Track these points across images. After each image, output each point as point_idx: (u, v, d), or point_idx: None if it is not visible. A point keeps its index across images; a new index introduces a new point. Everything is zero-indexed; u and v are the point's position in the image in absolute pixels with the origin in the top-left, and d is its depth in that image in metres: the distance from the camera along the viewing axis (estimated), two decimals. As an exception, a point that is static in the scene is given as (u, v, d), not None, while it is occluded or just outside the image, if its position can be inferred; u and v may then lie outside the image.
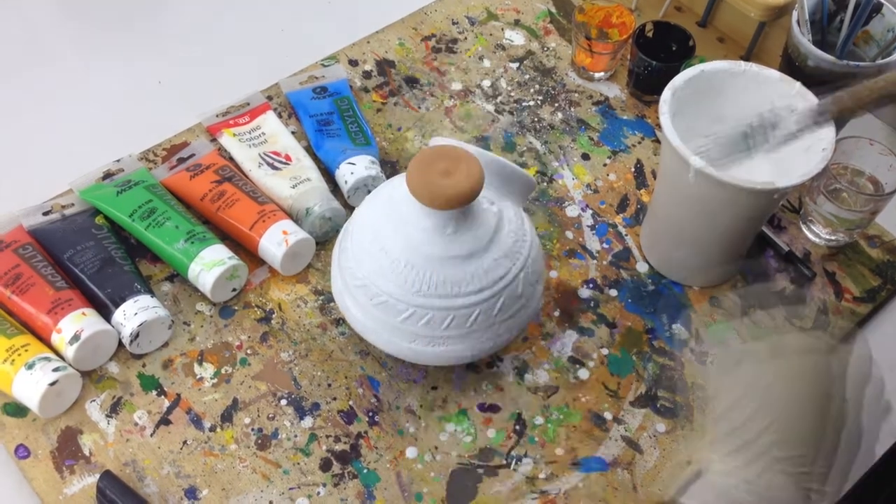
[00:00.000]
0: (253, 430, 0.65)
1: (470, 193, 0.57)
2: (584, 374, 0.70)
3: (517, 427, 0.67)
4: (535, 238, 0.65)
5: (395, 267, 0.60)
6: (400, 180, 0.62)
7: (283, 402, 0.67)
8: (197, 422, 0.65)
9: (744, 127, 0.63)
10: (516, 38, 0.91)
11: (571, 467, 0.65)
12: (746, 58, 0.90)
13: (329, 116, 0.80)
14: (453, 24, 0.92)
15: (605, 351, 0.71)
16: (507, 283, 0.61)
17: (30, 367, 0.63)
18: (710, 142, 0.63)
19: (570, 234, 0.77)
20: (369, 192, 0.71)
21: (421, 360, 0.63)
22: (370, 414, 0.66)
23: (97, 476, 0.62)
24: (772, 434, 0.51)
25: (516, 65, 0.89)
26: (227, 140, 0.79)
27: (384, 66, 0.88)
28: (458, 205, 0.57)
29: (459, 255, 0.59)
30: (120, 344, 0.68)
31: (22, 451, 0.63)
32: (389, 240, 0.60)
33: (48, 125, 0.83)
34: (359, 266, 0.61)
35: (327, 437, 0.65)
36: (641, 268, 0.76)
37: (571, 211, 0.79)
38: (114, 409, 0.66)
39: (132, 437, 0.64)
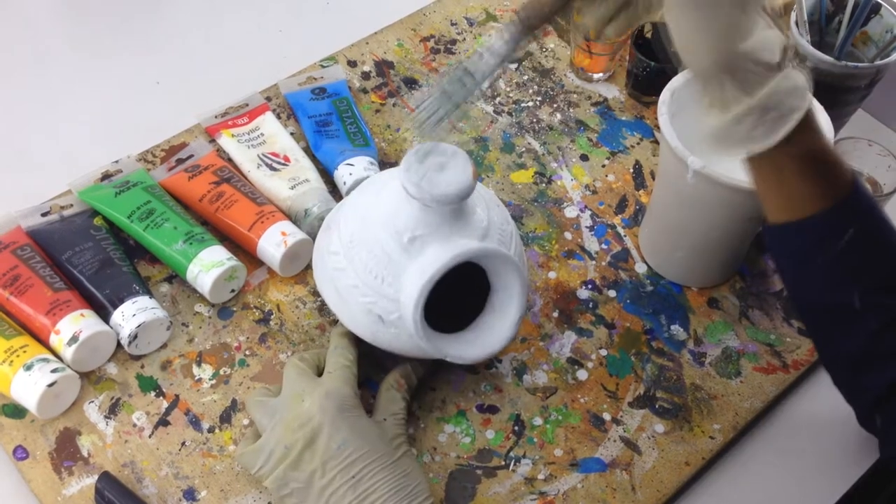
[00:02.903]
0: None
1: (465, 189, 0.57)
2: (582, 374, 0.70)
3: (516, 428, 0.67)
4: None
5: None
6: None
7: (282, 403, 0.67)
8: (195, 423, 0.65)
9: (448, 77, 0.60)
10: (515, 38, 0.91)
11: (570, 468, 0.65)
12: (745, 59, 0.90)
13: (328, 117, 0.80)
14: (452, 25, 0.92)
15: (603, 352, 0.71)
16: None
17: (28, 368, 0.63)
18: (423, 108, 0.60)
19: (568, 235, 0.77)
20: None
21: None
22: (369, 415, 0.66)
23: (96, 477, 0.62)
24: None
25: (515, 65, 0.89)
26: (225, 141, 0.79)
27: (383, 66, 0.88)
28: (452, 201, 0.57)
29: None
30: (118, 345, 0.68)
31: (20, 453, 0.63)
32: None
33: (47, 126, 0.83)
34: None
35: (326, 438, 0.65)
36: (640, 268, 0.76)
37: (570, 212, 0.79)
38: (112, 410, 0.66)
39: (131, 439, 0.64)
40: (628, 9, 0.57)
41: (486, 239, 0.60)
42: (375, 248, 0.60)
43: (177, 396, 0.66)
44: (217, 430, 0.65)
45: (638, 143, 0.84)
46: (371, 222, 0.61)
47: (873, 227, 0.54)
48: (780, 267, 0.59)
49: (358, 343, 0.64)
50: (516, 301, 0.61)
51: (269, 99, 0.83)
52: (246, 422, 0.65)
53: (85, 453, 0.63)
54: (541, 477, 0.64)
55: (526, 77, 0.88)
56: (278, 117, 0.81)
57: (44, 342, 0.66)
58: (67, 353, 0.64)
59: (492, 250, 0.58)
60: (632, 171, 0.82)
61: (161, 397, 0.66)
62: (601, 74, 0.88)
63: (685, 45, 0.50)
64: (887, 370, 0.54)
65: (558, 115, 0.85)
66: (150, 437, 0.65)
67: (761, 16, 0.50)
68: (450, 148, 0.58)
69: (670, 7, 0.50)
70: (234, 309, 0.71)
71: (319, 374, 0.63)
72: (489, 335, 0.61)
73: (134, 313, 0.66)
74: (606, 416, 0.67)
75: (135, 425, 0.65)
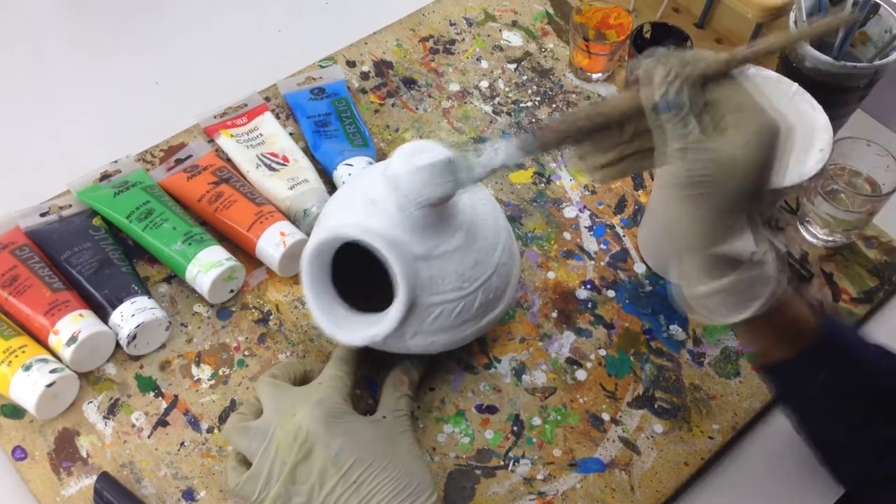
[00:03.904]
0: (250, 431, 0.65)
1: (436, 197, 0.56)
2: (581, 375, 0.70)
3: (515, 428, 0.67)
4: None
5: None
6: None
7: (281, 403, 0.67)
8: (194, 423, 0.65)
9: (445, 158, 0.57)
10: (514, 39, 0.91)
11: (569, 468, 0.65)
12: (744, 59, 0.90)
13: (327, 117, 0.80)
14: (451, 25, 0.92)
15: (602, 352, 0.71)
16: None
17: (27, 368, 0.63)
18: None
19: (567, 235, 0.77)
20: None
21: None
22: (367, 416, 0.66)
23: (94, 477, 0.62)
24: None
25: (514, 66, 0.89)
26: (224, 141, 0.79)
27: (382, 67, 0.88)
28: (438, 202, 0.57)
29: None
30: (117, 345, 0.68)
31: (19, 453, 0.63)
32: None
33: (46, 126, 0.83)
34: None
35: (325, 438, 0.65)
36: (639, 268, 0.76)
37: (569, 212, 0.79)
38: (111, 410, 0.66)
39: (129, 439, 0.64)
40: (627, 161, 0.54)
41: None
42: (348, 197, 0.62)
43: (176, 397, 0.66)
44: (216, 431, 0.65)
45: (637, 144, 0.84)
46: (350, 185, 0.64)
47: (846, 370, 0.55)
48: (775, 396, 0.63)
49: (357, 359, 0.64)
50: (398, 303, 0.59)
51: (267, 99, 0.83)
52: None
53: (84, 454, 0.63)
54: (540, 477, 0.65)
55: (525, 77, 0.88)
56: (277, 117, 0.81)
57: (42, 342, 0.66)
58: (66, 353, 0.64)
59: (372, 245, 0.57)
60: (631, 171, 0.82)
61: (160, 398, 0.66)
62: (600, 74, 0.88)
63: (668, 224, 0.51)
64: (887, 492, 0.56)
65: (557, 115, 0.85)
66: (148, 437, 0.65)
67: (749, 226, 0.50)
68: (444, 152, 0.57)
69: (664, 189, 0.50)
70: (233, 309, 0.71)
71: (295, 385, 0.63)
72: (363, 329, 0.60)
73: (133, 313, 0.66)
74: (605, 417, 0.67)
75: (133, 426, 0.65)
